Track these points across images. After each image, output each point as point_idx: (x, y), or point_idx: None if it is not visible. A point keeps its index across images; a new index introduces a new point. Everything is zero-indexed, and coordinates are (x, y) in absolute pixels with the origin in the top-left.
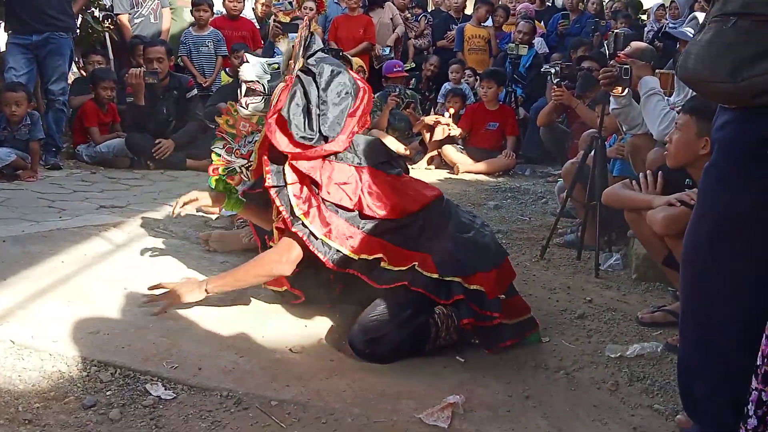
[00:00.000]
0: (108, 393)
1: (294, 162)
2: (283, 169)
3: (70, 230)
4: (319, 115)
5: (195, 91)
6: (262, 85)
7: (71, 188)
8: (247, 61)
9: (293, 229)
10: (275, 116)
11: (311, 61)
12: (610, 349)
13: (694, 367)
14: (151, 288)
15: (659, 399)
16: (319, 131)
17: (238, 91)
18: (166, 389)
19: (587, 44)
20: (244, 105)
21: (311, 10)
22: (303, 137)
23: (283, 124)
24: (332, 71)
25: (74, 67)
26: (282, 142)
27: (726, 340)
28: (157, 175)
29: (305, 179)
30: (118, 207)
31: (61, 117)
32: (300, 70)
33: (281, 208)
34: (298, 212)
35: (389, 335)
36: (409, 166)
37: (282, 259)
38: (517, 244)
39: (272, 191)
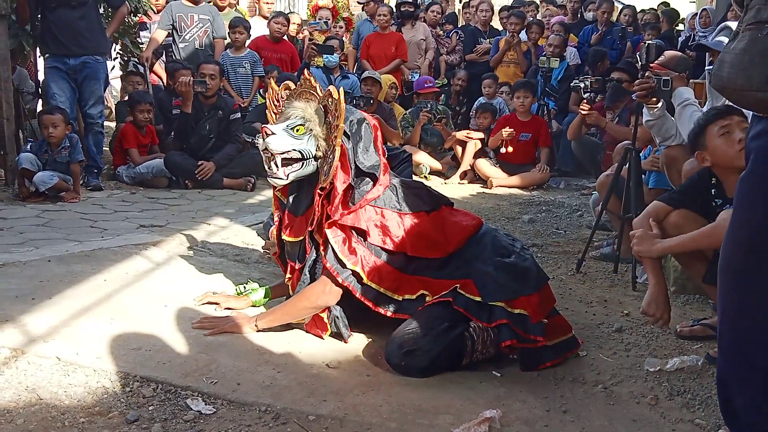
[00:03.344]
0: (150, 408)
1: (339, 220)
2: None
3: (111, 249)
4: (358, 168)
5: (238, 115)
6: (298, 151)
7: (112, 209)
8: (273, 133)
9: (339, 279)
10: (345, 186)
11: (350, 125)
12: (649, 362)
13: (734, 379)
14: (199, 300)
15: (700, 413)
16: (366, 175)
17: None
18: (206, 404)
19: (605, 53)
20: (283, 176)
21: (341, 28)
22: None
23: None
24: (358, 120)
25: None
26: (338, 212)
27: (762, 352)
28: (195, 195)
29: (349, 233)
30: (158, 226)
31: (100, 139)
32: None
33: (328, 265)
34: (348, 264)
35: (425, 347)
36: (443, 181)
37: (326, 289)
38: (552, 258)
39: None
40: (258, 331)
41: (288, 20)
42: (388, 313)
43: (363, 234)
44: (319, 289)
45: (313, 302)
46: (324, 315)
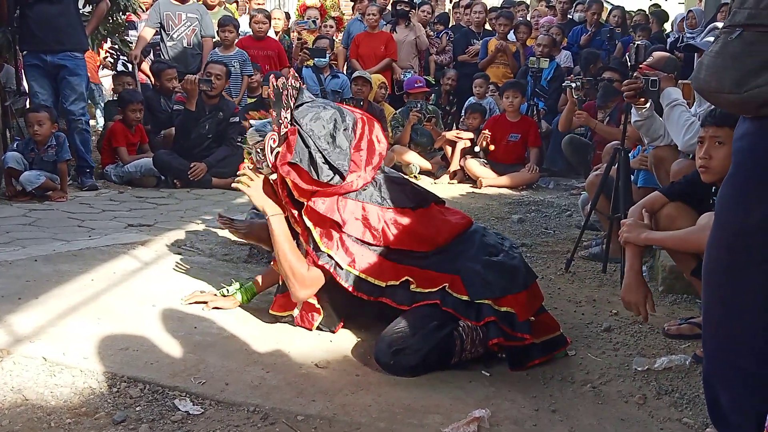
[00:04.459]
0: (137, 408)
1: (312, 205)
2: (302, 213)
3: (99, 249)
4: (325, 159)
5: (237, 119)
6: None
7: (100, 208)
8: (251, 125)
9: (320, 263)
10: (286, 164)
11: (300, 110)
12: (638, 362)
13: (719, 380)
14: (187, 300)
15: (688, 412)
16: (333, 170)
17: (246, 156)
18: (194, 404)
19: (599, 56)
20: (260, 167)
21: (331, 27)
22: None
23: (297, 167)
24: (325, 114)
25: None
26: (302, 181)
27: (746, 353)
28: (184, 194)
29: (325, 220)
30: (146, 225)
31: (87, 138)
32: (292, 120)
33: (307, 248)
34: (322, 247)
35: (414, 346)
36: (432, 181)
37: (309, 290)
38: (541, 258)
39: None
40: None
41: (269, 17)
42: (371, 298)
43: (338, 225)
44: (307, 281)
45: (300, 282)
46: (314, 301)
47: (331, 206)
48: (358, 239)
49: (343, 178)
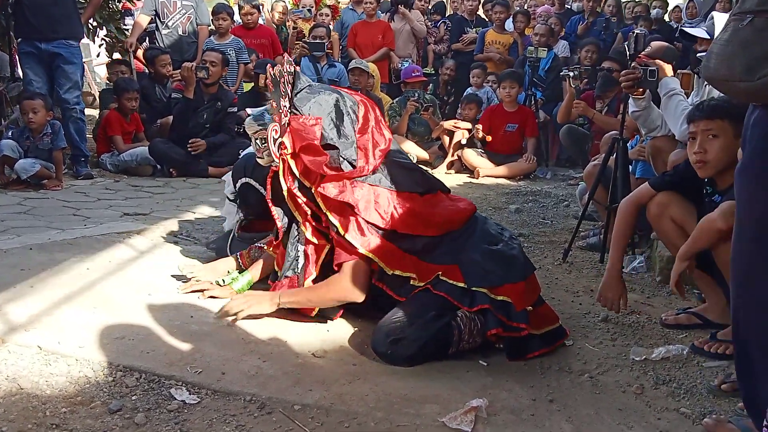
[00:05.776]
0: (133, 397)
1: (322, 191)
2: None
3: (94, 238)
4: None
5: (235, 109)
6: (265, 130)
7: (95, 196)
8: (249, 115)
9: (347, 237)
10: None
11: (300, 97)
12: (635, 351)
13: (755, 372)
14: (183, 289)
15: (685, 402)
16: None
17: (252, 143)
18: (190, 394)
19: (595, 44)
20: (261, 155)
21: (327, 16)
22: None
23: (315, 151)
24: (326, 101)
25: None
26: (318, 165)
27: None
28: (180, 183)
29: (337, 205)
30: (142, 214)
31: (81, 126)
32: (291, 109)
33: (348, 236)
34: (341, 230)
35: (412, 336)
36: (429, 171)
37: (356, 286)
38: (539, 248)
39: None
40: (279, 307)
41: (257, 7)
42: (373, 279)
43: (351, 206)
44: (348, 286)
45: (341, 296)
46: None
47: (342, 190)
48: (367, 222)
49: (353, 165)
